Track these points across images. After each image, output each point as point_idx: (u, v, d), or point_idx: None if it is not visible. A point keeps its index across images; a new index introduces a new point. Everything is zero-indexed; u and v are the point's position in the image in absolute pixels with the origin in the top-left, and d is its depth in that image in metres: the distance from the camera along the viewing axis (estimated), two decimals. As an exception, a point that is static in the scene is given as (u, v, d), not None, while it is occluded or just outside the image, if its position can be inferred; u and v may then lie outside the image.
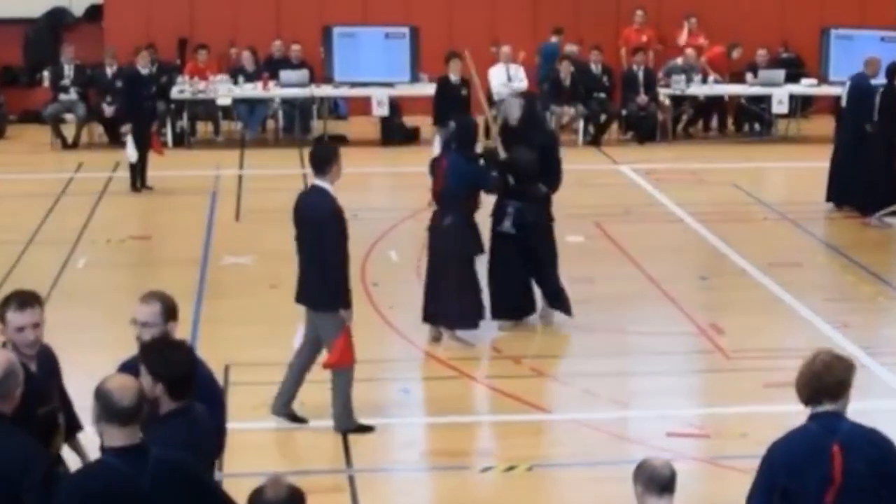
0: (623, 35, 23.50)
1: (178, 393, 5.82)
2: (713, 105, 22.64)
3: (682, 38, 23.11)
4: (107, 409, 5.29)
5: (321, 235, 9.58)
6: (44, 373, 6.42)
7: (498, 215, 12.11)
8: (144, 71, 18.39)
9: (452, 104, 18.66)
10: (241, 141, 21.37)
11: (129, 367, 6.22)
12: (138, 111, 17.92)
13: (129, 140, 17.59)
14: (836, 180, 16.81)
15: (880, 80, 16.78)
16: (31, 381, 6.09)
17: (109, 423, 5.29)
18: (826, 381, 5.83)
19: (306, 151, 20.09)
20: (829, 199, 16.83)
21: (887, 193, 16.00)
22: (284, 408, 9.96)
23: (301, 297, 9.94)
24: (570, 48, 22.48)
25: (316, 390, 10.64)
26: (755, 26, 23.43)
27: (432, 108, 19.68)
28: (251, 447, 9.49)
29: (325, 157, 9.71)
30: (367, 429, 9.85)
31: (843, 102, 17.40)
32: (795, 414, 10.60)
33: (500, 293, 12.10)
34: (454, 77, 19.26)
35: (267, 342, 11.83)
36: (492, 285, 12.11)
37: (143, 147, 17.72)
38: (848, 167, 16.52)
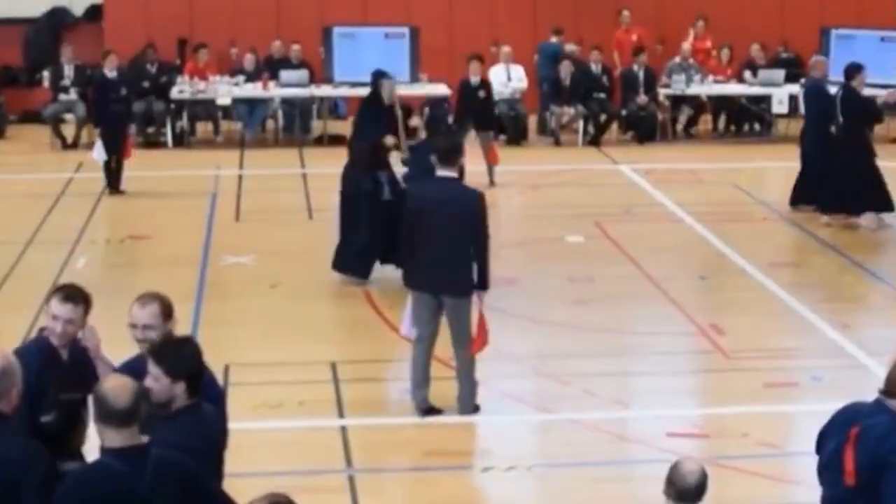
0: (613, 37, 23.45)
1: (196, 388, 5.85)
2: (719, 105, 22.64)
3: (689, 41, 23.02)
4: (103, 410, 5.30)
5: (475, 222, 9.86)
6: (73, 363, 6.55)
7: (369, 185, 13.18)
8: (111, 75, 18.06)
9: (471, 106, 18.66)
10: (241, 141, 21.36)
11: (129, 368, 6.22)
12: (106, 115, 17.77)
13: (98, 143, 17.49)
14: (803, 185, 16.69)
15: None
16: (58, 367, 6.42)
17: (106, 424, 5.30)
18: None
19: (306, 151, 20.24)
20: (793, 202, 16.74)
21: (856, 197, 15.87)
22: (474, 407, 10.13)
23: (438, 287, 9.91)
24: (571, 48, 22.48)
25: (317, 389, 10.65)
26: (755, 26, 23.42)
27: (455, 109, 19.39)
28: (251, 447, 9.48)
29: (454, 148, 10.18)
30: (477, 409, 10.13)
31: (802, 109, 17.44)
32: (795, 414, 10.64)
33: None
34: (474, 79, 19.09)
35: (267, 342, 11.83)
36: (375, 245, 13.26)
37: (117, 150, 17.53)
38: (815, 172, 16.41)
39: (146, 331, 6.45)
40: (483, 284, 9.97)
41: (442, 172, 9.98)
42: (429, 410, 10.04)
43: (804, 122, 17.29)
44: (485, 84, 19.13)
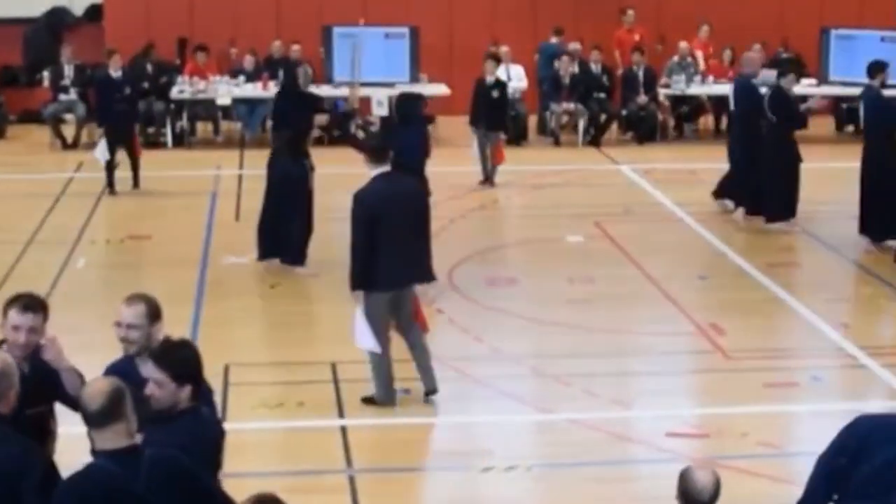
0: (615, 36, 23.43)
1: (198, 390, 5.83)
2: (719, 105, 22.63)
3: (697, 46, 22.97)
4: (82, 413, 5.35)
5: (424, 209, 10.37)
6: (35, 374, 6.39)
7: (297, 173, 13.59)
8: (116, 74, 18.10)
9: (484, 104, 18.56)
10: (241, 141, 21.36)
11: (117, 370, 6.21)
12: (110, 115, 17.83)
13: (102, 143, 17.56)
14: (732, 182, 16.47)
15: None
16: (21, 382, 6.05)
17: (88, 426, 5.34)
18: None
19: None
20: (718, 195, 16.67)
21: (782, 197, 15.55)
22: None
23: (406, 280, 10.16)
24: (574, 47, 22.43)
25: (317, 389, 10.65)
26: (755, 26, 23.41)
27: (470, 108, 19.16)
28: (251, 447, 9.49)
29: (383, 146, 10.36)
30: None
31: (731, 105, 17.04)
32: (795, 414, 10.64)
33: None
34: (489, 78, 18.85)
35: (267, 342, 11.83)
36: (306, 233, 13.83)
37: (128, 149, 17.68)
38: (743, 170, 16.15)
39: (129, 330, 6.43)
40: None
41: (377, 170, 10.09)
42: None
43: (731, 119, 17.13)
44: (500, 84, 18.96)
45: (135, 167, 17.73)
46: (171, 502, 5.34)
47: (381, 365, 10.18)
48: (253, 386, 10.60)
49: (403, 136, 13.11)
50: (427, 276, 10.28)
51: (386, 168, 10.12)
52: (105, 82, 18.22)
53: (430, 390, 10.29)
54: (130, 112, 18.09)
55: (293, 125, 13.80)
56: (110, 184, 17.57)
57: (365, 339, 10.04)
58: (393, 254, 9.95)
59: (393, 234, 9.94)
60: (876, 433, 6.04)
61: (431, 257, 10.39)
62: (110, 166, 17.52)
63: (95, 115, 19.27)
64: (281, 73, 21.16)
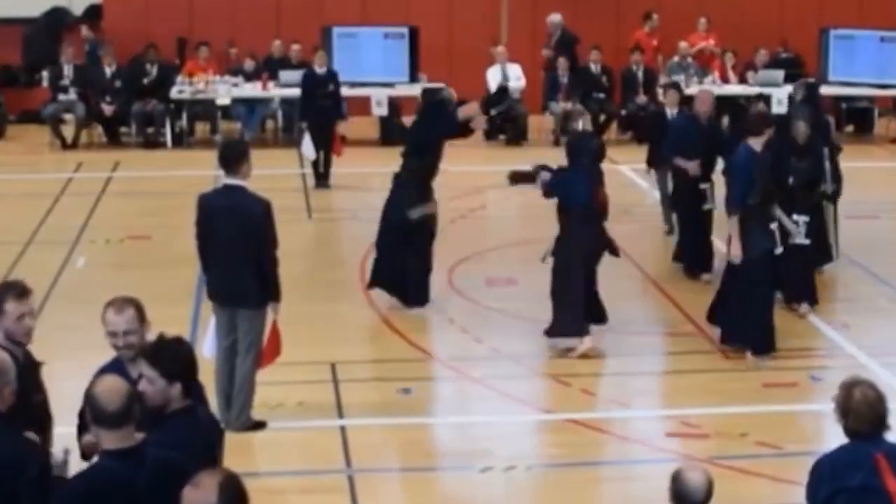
0: (634, 38, 23.32)
1: (190, 389, 5.83)
2: (719, 105, 22.60)
3: (707, 43, 22.99)
4: (95, 413, 5.32)
5: (258, 232, 9.50)
6: (28, 363, 6.46)
7: (418, 216, 12.61)
8: (320, 71, 18.61)
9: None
10: (241, 141, 21.35)
11: (108, 372, 6.21)
12: (313, 109, 18.26)
13: (306, 138, 17.97)
14: None
15: None
16: (23, 372, 6.16)
17: (100, 426, 5.31)
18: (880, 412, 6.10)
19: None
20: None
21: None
22: (248, 420, 9.77)
23: (229, 299, 9.65)
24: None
25: (316, 390, 10.65)
26: (755, 26, 23.42)
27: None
28: (251, 447, 9.49)
29: (235, 155, 9.62)
30: (261, 425, 9.80)
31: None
32: (795, 414, 10.62)
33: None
34: (671, 111, 15.97)
35: (267, 342, 11.79)
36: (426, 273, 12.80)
37: (325, 145, 18.04)
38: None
39: (127, 336, 6.43)
40: (274, 296, 9.67)
41: (227, 181, 9.60)
42: (256, 425, 9.78)
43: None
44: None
45: (327, 164, 18.14)
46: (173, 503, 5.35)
47: (218, 383, 9.68)
48: (253, 386, 10.59)
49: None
50: (247, 301, 9.59)
51: (231, 181, 9.57)
52: (309, 78, 18.60)
53: (236, 429, 9.54)
54: (334, 108, 18.40)
55: (427, 156, 12.53)
56: (318, 180, 18.11)
57: (207, 345, 9.68)
58: (216, 267, 9.71)
59: (218, 248, 9.60)
60: (840, 463, 6.06)
61: (259, 282, 9.60)
62: (317, 163, 18.02)
63: (298, 110, 19.26)
64: (294, 78, 21.28)
